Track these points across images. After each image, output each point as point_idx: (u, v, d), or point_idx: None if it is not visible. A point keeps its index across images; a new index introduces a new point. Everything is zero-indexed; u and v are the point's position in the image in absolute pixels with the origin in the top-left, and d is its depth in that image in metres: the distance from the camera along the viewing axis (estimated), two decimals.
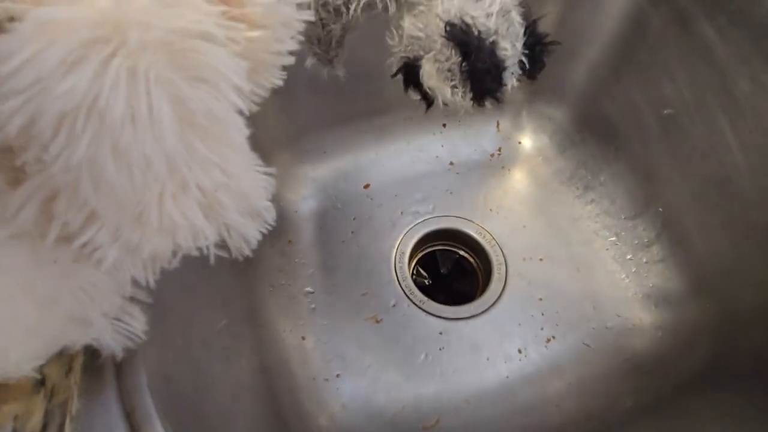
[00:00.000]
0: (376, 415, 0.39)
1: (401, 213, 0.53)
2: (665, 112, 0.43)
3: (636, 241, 0.48)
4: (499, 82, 0.25)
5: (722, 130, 0.38)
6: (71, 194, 0.14)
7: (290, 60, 0.17)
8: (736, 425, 0.27)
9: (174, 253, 0.17)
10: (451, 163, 0.57)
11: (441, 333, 0.45)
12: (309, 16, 0.17)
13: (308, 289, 0.47)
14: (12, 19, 0.13)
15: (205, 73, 0.14)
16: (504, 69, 0.25)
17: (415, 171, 0.56)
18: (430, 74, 0.25)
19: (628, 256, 0.48)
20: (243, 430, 0.30)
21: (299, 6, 0.17)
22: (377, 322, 0.45)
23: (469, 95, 0.25)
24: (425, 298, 0.47)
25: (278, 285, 0.46)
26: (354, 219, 0.52)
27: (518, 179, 0.57)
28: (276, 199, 0.20)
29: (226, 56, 0.14)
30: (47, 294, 0.17)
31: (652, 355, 0.41)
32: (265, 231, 0.19)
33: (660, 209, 0.46)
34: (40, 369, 0.17)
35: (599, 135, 0.52)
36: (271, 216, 0.19)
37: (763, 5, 0.34)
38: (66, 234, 0.16)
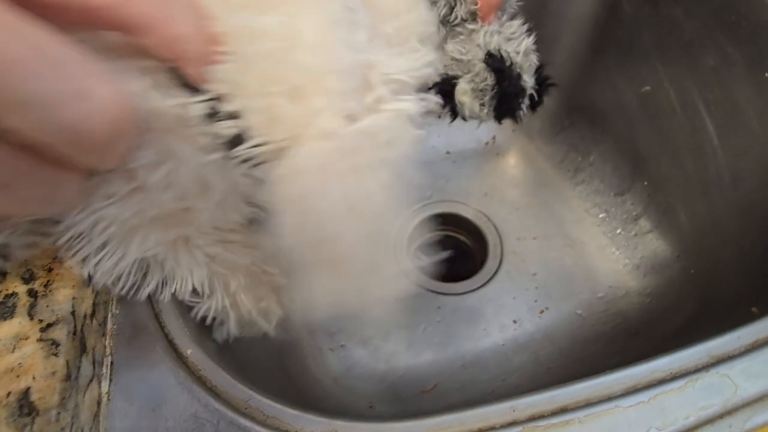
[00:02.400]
0: (378, 380, 0.42)
1: None
2: (643, 89, 0.45)
3: (625, 216, 0.50)
4: (519, 106, 0.31)
5: (693, 100, 0.40)
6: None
7: None
8: None
9: None
10: (448, 152, 0.60)
11: (439, 307, 0.47)
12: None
13: None
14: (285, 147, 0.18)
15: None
16: (524, 96, 0.30)
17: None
18: (464, 91, 0.30)
19: (618, 231, 0.50)
20: (257, 377, 0.33)
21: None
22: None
23: (492, 113, 0.30)
24: (423, 277, 0.50)
25: None
26: None
27: (513, 165, 0.59)
28: None
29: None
30: None
31: (640, 319, 0.43)
32: None
33: (645, 183, 0.48)
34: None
35: (587, 117, 0.54)
36: None
37: None
38: None
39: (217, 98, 0.18)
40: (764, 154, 0.37)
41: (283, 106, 0.17)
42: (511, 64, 0.29)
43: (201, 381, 0.20)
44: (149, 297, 0.22)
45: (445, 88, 0.31)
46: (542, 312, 0.47)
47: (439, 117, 0.64)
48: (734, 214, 0.37)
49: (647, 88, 0.45)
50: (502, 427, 0.22)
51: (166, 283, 0.23)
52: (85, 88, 0.12)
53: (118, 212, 0.19)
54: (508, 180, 0.58)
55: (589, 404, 0.23)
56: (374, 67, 0.18)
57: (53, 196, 0.14)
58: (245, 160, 0.18)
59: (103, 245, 0.20)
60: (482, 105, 0.30)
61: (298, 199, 0.17)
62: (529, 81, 0.30)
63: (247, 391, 0.21)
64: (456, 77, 0.30)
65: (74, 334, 0.18)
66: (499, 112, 0.30)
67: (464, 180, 0.58)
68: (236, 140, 0.18)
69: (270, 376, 0.33)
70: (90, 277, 0.21)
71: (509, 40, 0.29)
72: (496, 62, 0.28)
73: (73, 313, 0.19)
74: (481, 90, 0.29)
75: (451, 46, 0.30)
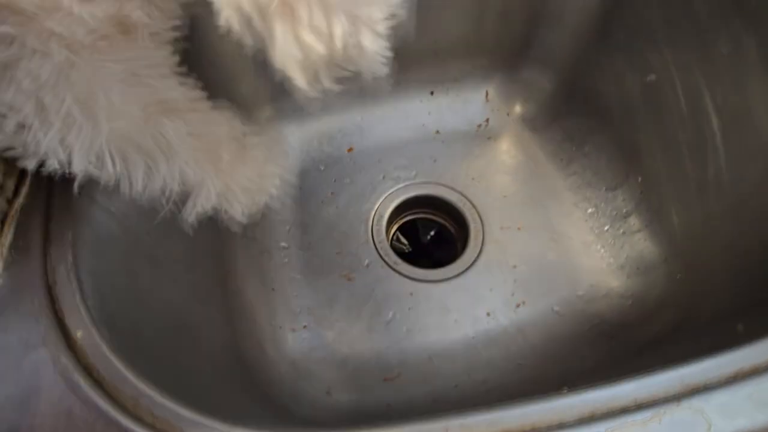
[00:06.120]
0: (339, 365, 0.40)
1: (383, 177, 0.53)
2: (648, 78, 0.42)
3: (614, 212, 0.47)
4: None
5: (700, 92, 0.37)
6: None
7: None
8: None
9: None
10: (437, 132, 0.57)
11: (411, 294, 0.45)
12: None
13: (283, 244, 0.47)
14: None
15: None
16: None
17: (400, 137, 0.56)
18: None
19: (606, 227, 0.47)
20: (199, 361, 0.30)
21: None
22: (349, 279, 0.46)
23: None
24: (399, 260, 0.47)
25: (252, 237, 0.46)
26: (335, 181, 0.52)
27: (504, 150, 0.56)
28: None
29: None
30: None
31: (619, 322, 0.41)
32: None
33: (639, 179, 0.45)
34: None
35: (586, 105, 0.51)
36: None
37: None
38: None
39: None
40: None
41: None
42: None
43: (87, 371, 0.18)
44: (45, 263, 0.19)
45: None
46: (518, 306, 0.44)
47: (432, 94, 0.60)
48: (730, 219, 0.35)
49: (652, 76, 0.42)
50: None
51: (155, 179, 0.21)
52: None
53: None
54: (497, 166, 0.55)
55: (534, 431, 0.20)
56: None
57: None
58: None
59: (66, 116, 0.18)
60: None
61: None
62: None
63: (139, 386, 0.18)
64: None
65: None
66: None
67: (452, 162, 0.55)
68: None
69: (214, 357, 0.31)
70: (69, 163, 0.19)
71: None
72: None
73: None
74: None
75: None
